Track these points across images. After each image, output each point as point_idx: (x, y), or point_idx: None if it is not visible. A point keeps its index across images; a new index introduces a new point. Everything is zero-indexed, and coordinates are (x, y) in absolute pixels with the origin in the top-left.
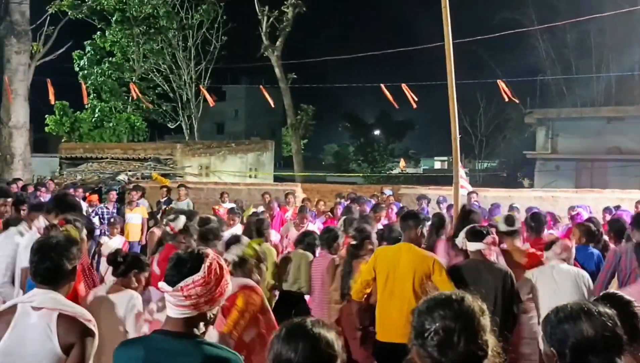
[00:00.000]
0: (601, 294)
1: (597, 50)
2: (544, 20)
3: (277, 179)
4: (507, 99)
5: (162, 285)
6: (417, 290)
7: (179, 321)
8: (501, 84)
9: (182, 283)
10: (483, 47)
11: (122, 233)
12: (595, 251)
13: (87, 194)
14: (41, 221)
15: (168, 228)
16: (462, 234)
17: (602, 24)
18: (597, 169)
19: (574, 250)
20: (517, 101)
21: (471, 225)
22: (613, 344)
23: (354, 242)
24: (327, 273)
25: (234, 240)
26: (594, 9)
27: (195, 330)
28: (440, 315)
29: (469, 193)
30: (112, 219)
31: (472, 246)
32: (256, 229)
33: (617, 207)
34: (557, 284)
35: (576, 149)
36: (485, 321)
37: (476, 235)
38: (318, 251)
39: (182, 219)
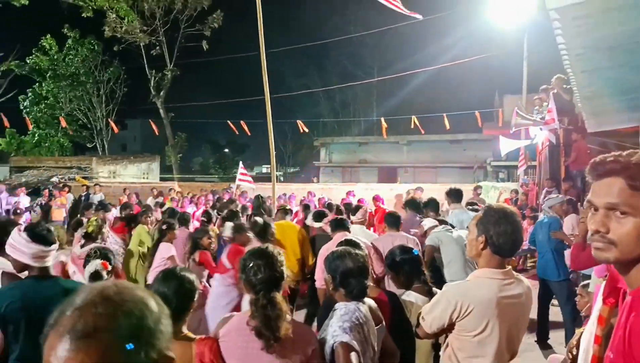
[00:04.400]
0: (343, 239)
1: (353, 104)
2: (325, 84)
3: (161, 179)
4: (301, 131)
5: (37, 247)
6: (299, 244)
7: (44, 268)
8: (300, 122)
9: (53, 246)
10: (288, 100)
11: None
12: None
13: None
14: None
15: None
16: (310, 217)
17: (356, 90)
18: (354, 172)
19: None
20: (307, 132)
21: (315, 210)
22: (363, 271)
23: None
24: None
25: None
26: (355, 79)
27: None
28: (254, 257)
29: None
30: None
31: (317, 225)
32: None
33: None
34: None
35: (342, 161)
36: (282, 259)
37: (318, 217)
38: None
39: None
